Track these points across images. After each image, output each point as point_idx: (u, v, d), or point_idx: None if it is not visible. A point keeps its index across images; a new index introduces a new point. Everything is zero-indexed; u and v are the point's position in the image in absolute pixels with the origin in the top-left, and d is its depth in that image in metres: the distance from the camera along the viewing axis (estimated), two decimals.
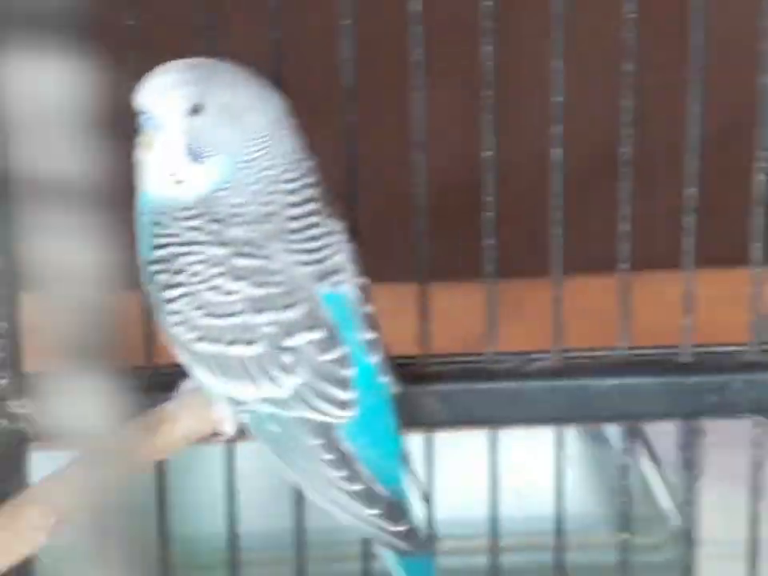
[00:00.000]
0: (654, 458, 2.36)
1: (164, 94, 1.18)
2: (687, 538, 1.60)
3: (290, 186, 1.21)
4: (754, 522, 1.51)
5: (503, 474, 1.51)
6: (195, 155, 1.19)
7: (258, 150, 1.20)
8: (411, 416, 1.31)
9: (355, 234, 1.30)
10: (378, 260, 1.31)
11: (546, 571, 1.56)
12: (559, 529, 1.54)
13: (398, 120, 1.48)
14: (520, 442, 1.76)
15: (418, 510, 1.29)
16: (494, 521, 1.53)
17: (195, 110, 1.18)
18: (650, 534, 2.06)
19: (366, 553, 1.40)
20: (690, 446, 1.59)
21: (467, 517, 1.64)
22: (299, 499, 1.42)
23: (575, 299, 1.49)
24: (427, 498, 1.35)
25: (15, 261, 1.42)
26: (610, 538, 1.67)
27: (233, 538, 1.50)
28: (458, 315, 1.56)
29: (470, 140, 1.47)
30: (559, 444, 1.56)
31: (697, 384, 1.46)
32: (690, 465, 1.53)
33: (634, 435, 1.75)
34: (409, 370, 1.35)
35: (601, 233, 1.50)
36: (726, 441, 1.63)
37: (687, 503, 1.55)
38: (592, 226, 1.64)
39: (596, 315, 1.57)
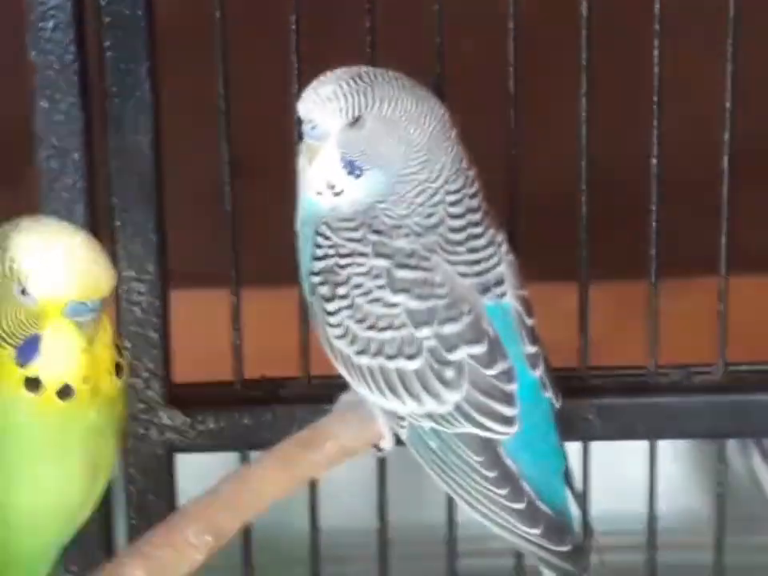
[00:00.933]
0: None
1: (325, 104, 1.17)
2: None
3: (451, 197, 1.19)
4: None
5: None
6: (353, 168, 1.18)
7: (419, 163, 1.18)
8: (569, 429, 1.26)
9: (515, 243, 1.28)
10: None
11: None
12: (653, 532, 1.51)
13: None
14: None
15: (578, 526, 1.24)
16: (651, 533, 1.50)
17: (355, 122, 1.17)
18: (759, 534, 2.02)
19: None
20: None
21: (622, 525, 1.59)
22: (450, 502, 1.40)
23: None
24: (585, 513, 1.27)
25: (167, 269, 1.45)
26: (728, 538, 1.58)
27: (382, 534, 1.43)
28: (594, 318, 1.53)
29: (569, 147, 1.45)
30: (721, 459, 1.50)
31: None
32: None
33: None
34: (569, 383, 1.32)
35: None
36: None
37: None
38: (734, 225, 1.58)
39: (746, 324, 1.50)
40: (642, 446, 1.49)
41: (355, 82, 1.17)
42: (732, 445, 1.77)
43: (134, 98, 1.37)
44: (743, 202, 1.38)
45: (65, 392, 1.02)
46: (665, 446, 1.49)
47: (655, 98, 1.39)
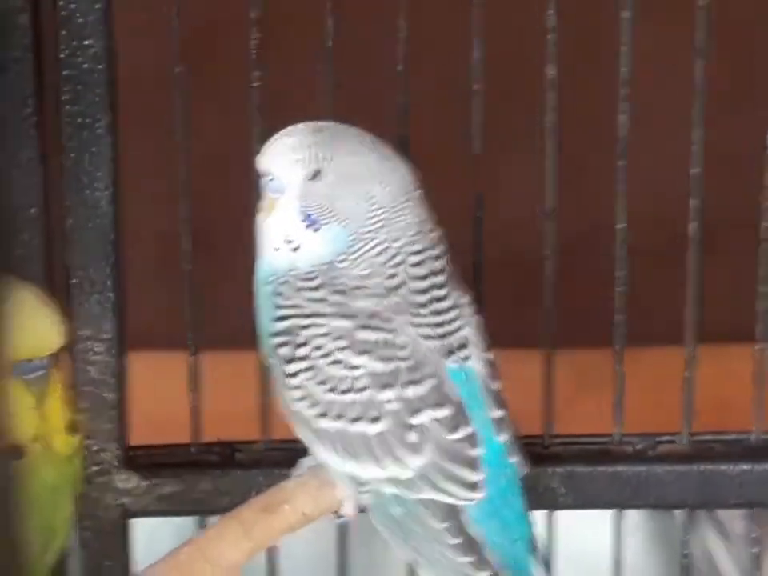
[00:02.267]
0: (723, 531, 2.26)
1: (284, 155, 1.19)
2: None
3: (415, 258, 1.20)
4: None
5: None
6: (312, 222, 1.19)
7: (380, 221, 1.20)
8: (534, 498, 1.28)
9: (481, 305, 1.29)
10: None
11: None
12: None
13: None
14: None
15: None
16: None
17: (314, 176, 1.18)
18: None
19: None
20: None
21: None
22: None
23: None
24: None
25: (124, 329, 1.44)
26: None
27: None
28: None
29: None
30: (686, 530, 1.52)
31: None
32: (758, 541, 1.54)
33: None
34: (533, 450, 1.32)
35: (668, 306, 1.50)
36: None
37: None
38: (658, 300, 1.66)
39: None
40: (604, 515, 1.50)
41: (315, 135, 1.20)
42: (682, 517, 1.79)
43: (91, 153, 1.36)
44: (707, 272, 1.39)
45: (18, 453, 1.00)
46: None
47: (620, 163, 1.38)
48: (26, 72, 1.32)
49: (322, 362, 1.17)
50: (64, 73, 1.31)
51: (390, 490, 1.18)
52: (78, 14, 1.31)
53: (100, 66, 1.33)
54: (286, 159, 1.19)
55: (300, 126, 1.21)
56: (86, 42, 1.29)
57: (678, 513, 1.65)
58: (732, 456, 1.46)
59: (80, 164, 1.38)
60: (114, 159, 1.39)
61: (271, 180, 1.20)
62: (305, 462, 1.25)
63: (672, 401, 1.44)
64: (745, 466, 1.45)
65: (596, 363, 1.46)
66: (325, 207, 1.19)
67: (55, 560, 1.24)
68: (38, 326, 1.09)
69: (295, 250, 1.19)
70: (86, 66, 1.29)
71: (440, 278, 1.21)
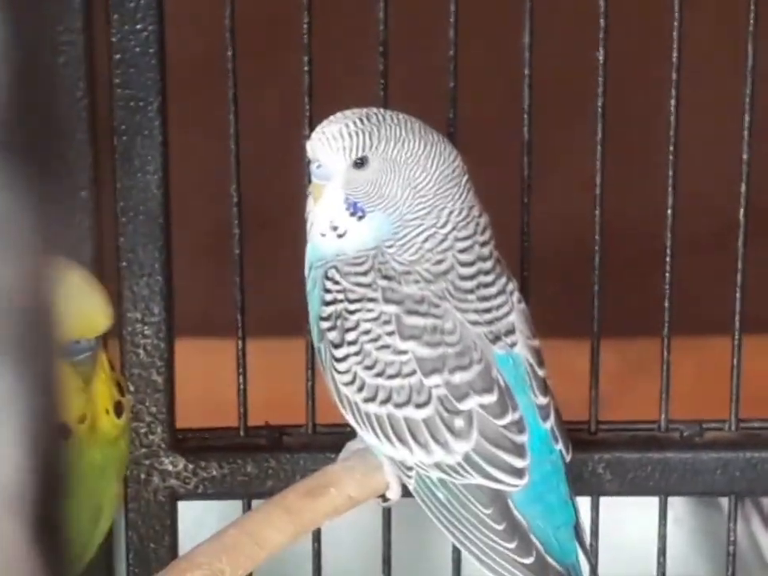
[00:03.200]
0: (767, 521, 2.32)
1: (330, 143, 1.20)
2: None
3: (461, 244, 1.20)
4: None
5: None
6: (356, 210, 1.19)
7: (426, 207, 1.20)
8: (579, 483, 1.30)
9: (528, 293, 1.30)
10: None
11: None
12: None
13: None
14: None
15: None
16: None
17: (360, 163, 1.19)
18: None
19: None
20: None
21: None
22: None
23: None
24: (594, 568, 1.31)
25: (173, 311, 1.44)
26: None
27: None
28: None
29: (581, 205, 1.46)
30: (732, 517, 1.48)
31: None
32: None
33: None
34: (579, 437, 1.35)
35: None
36: None
37: None
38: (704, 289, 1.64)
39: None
40: (650, 502, 1.49)
41: (362, 122, 1.20)
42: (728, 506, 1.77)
43: (143, 136, 1.36)
44: (756, 261, 1.38)
45: (65, 435, 0.99)
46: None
47: (671, 152, 1.37)
48: (77, 55, 1.30)
49: (369, 346, 1.19)
50: (116, 56, 1.32)
51: (435, 474, 1.18)
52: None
53: (151, 50, 1.32)
54: (331, 147, 1.20)
55: (347, 112, 1.21)
56: (138, 27, 1.30)
57: (723, 501, 1.61)
58: None
59: (131, 147, 1.38)
60: (164, 143, 1.39)
61: (318, 167, 1.20)
62: (351, 446, 1.26)
63: (719, 389, 1.42)
64: None
65: (644, 351, 1.45)
66: (370, 194, 1.20)
67: (101, 540, 1.22)
68: (86, 308, 1.09)
69: (341, 236, 1.20)
70: (137, 49, 1.29)
71: (487, 264, 1.21)
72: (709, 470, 1.44)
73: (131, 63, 1.33)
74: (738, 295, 1.40)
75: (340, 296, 1.20)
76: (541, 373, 1.22)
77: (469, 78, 1.40)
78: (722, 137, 1.48)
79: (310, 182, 1.24)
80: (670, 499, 1.51)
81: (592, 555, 1.29)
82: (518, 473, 1.17)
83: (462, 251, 1.20)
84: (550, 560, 1.18)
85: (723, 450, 1.43)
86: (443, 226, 1.20)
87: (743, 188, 1.38)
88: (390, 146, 1.20)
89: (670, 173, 1.41)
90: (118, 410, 1.15)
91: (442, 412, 1.17)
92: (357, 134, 1.19)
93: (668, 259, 1.43)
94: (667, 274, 1.43)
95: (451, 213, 1.21)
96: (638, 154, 1.60)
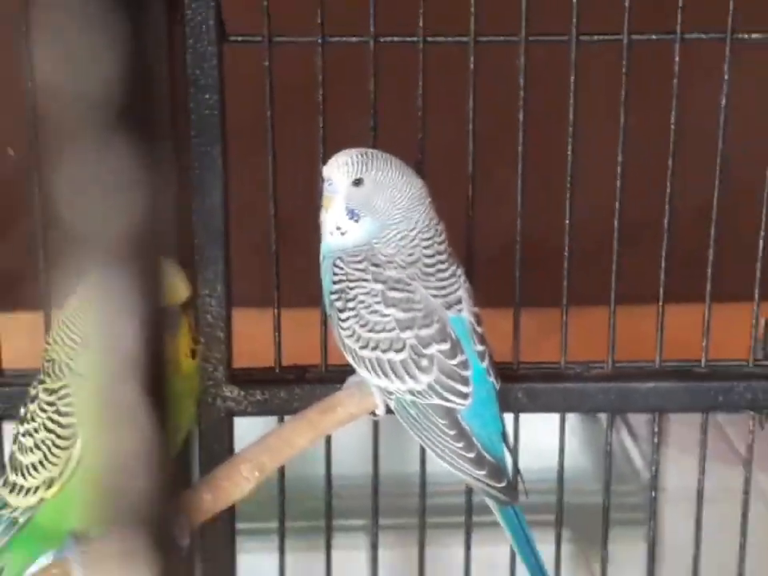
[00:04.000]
0: (633, 433, 2.31)
1: (339, 167, 1.21)
2: (653, 487, 1.59)
3: (425, 242, 1.22)
4: (701, 474, 1.47)
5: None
6: (353, 215, 1.21)
7: (400, 216, 1.21)
8: (505, 404, 1.29)
9: (471, 276, 1.29)
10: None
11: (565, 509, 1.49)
12: (561, 479, 1.50)
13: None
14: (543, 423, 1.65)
15: (511, 472, 1.28)
16: (560, 476, 1.49)
17: (357, 183, 1.20)
18: (626, 484, 2.03)
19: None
20: (658, 428, 1.60)
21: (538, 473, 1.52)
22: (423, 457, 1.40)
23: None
24: (516, 464, 1.31)
25: (230, 290, 1.43)
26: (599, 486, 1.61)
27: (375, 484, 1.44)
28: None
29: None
30: (609, 428, 1.49)
31: (710, 388, 1.42)
32: (658, 439, 1.54)
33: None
34: (506, 372, 1.33)
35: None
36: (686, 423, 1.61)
37: (653, 463, 1.54)
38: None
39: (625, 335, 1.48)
40: (550, 418, 1.48)
41: (360, 156, 1.21)
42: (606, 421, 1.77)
43: (209, 171, 1.36)
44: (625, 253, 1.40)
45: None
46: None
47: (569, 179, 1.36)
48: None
49: (363, 311, 1.21)
50: (192, 117, 1.30)
51: (408, 397, 1.20)
52: (201, 78, 1.30)
53: (215, 112, 1.32)
54: (339, 170, 1.21)
55: (351, 150, 1.23)
56: (206, 96, 1.29)
57: (602, 417, 1.63)
58: (641, 377, 1.45)
59: (202, 180, 1.37)
60: (225, 175, 1.37)
61: (329, 184, 1.21)
62: (352, 379, 1.27)
63: (601, 341, 1.43)
64: (650, 384, 1.44)
65: (551, 317, 1.45)
66: (363, 205, 1.21)
67: (181, 445, 1.23)
68: (172, 285, 1.09)
69: (343, 234, 1.22)
70: (206, 112, 1.30)
71: (443, 257, 1.23)
72: (593, 395, 1.44)
73: (203, 121, 1.33)
74: (613, 277, 1.38)
75: (343, 278, 1.21)
76: (479, 330, 1.24)
77: (433, 127, 1.37)
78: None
79: (322, 196, 1.25)
80: (567, 415, 1.50)
81: (514, 453, 1.30)
82: (464, 396, 1.19)
83: (425, 247, 1.22)
84: (485, 455, 1.20)
85: (603, 381, 1.43)
86: (412, 230, 1.22)
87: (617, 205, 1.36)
88: (378, 173, 1.21)
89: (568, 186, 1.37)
90: (194, 355, 1.17)
91: (412, 355, 1.20)
92: (356, 163, 1.21)
93: (566, 254, 1.39)
94: (565, 271, 1.38)
95: (417, 221, 1.22)
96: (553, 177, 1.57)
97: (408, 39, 1.40)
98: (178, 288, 1.12)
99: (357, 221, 1.22)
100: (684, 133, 1.42)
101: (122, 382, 0.22)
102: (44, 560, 1.22)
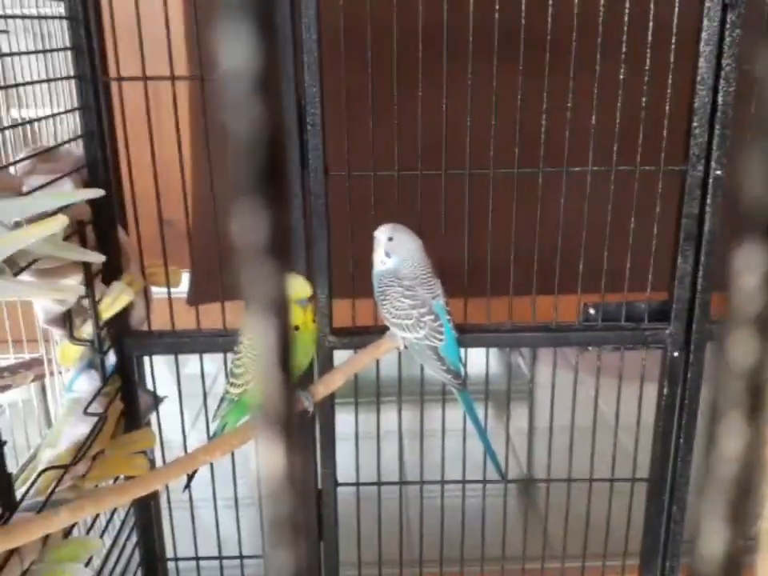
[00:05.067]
0: (522, 356, 2.29)
1: (381, 233, 1.23)
2: (531, 381, 1.60)
3: (421, 269, 1.24)
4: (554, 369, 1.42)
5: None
6: (388, 255, 1.24)
7: (410, 257, 1.24)
8: (460, 343, 1.29)
9: (443, 283, 1.28)
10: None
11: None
12: (487, 379, 1.46)
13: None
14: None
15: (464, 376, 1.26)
16: (486, 377, 1.49)
17: (390, 239, 1.23)
18: (516, 380, 1.98)
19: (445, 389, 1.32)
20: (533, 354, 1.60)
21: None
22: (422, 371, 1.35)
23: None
24: (465, 371, 1.29)
25: (332, 288, 1.36)
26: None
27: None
28: None
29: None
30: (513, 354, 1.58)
31: (557, 336, 1.40)
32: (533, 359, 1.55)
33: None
34: (460, 328, 1.31)
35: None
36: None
37: (531, 371, 1.44)
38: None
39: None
40: (482, 351, 1.44)
41: (392, 227, 1.23)
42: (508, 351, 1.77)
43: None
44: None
45: (296, 328, 1.06)
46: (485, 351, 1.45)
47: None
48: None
49: (392, 301, 1.24)
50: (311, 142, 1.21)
51: (415, 341, 1.24)
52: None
53: (317, 140, 1.22)
54: (381, 234, 1.23)
55: (388, 224, 1.24)
56: (309, 120, 1.21)
57: (507, 350, 1.65)
58: (523, 329, 1.41)
59: (315, 231, 1.28)
60: (329, 228, 1.29)
61: (378, 240, 1.24)
62: (388, 333, 1.29)
63: (506, 312, 1.41)
64: (527, 334, 1.41)
65: (484, 302, 1.37)
66: (393, 250, 1.23)
67: (308, 365, 1.24)
68: (299, 285, 1.10)
69: (383, 264, 1.24)
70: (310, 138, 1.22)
71: (429, 275, 1.25)
72: (499, 339, 1.43)
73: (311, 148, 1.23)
74: (511, 280, 1.33)
75: (383, 287, 1.25)
76: (447, 308, 1.26)
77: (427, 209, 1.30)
78: None
79: (373, 246, 1.25)
80: (490, 349, 1.49)
81: (464, 366, 1.28)
82: (441, 340, 1.24)
83: (422, 271, 1.24)
84: (451, 367, 1.24)
85: (505, 332, 1.40)
86: (415, 263, 1.24)
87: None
88: (400, 235, 1.24)
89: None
90: (314, 321, 1.17)
91: (416, 321, 1.23)
92: (389, 230, 1.23)
93: (488, 269, 1.34)
94: (488, 273, 1.33)
95: (417, 259, 1.24)
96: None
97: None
98: (306, 288, 1.11)
99: (390, 257, 1.24)
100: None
101: (268, 336, 0.19)
102: (243, 420, 1.21)
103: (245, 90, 0.17)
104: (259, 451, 0.19)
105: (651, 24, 1.13)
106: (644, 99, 1.16)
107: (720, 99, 1.18)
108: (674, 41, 1.15)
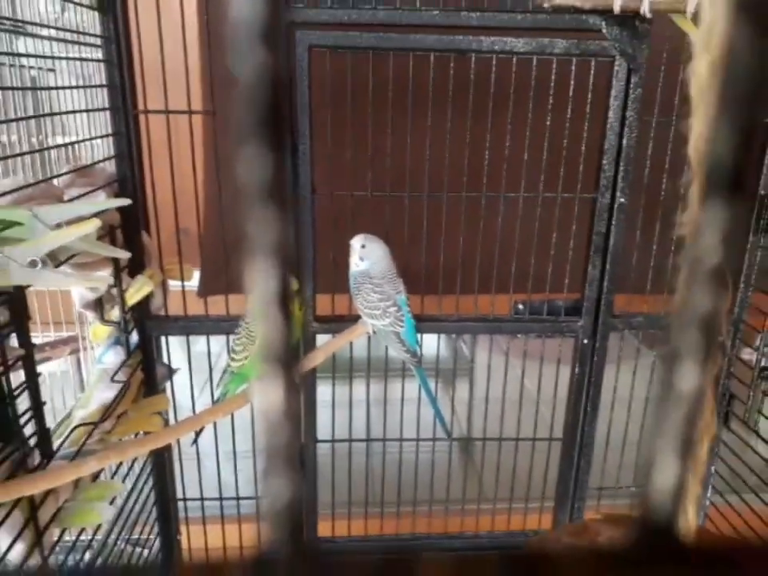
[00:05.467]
0: (464, 342, 2.32)
1: (356, 241, 1.22)
2: (471, 361, 1.70)
3: (389, 271, 1.24)
4: (490, 353, 1.40)
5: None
6: (361, 259, 1.22)
7: (380, 261, 1.22)
8: (417, 329, 1.29)
9: (406, 281, 1.26)
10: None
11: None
12: (438, 358, 1.41)
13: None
14: None
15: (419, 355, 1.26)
16: (437, 357, 1.45)
17: (363, 246, 1.22)
18: (460, 360, 1.88)
19: (404, 367, 1.30)
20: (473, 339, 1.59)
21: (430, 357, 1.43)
22: (386, 352, 1.32)
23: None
24: (421, 351, 1.29)
25: (316, 285, 1.33)
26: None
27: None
28: None
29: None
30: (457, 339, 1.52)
31: (493, 325, 1.37)
32: (473, 343, 1.49)
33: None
34: (418, 317, 1.31)
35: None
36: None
37: (471, 352, 1.47)
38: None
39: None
40: (434, 336, 1.39)
41: (365, 236, 1.22)
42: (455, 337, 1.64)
43: (304, 235, 1.23)
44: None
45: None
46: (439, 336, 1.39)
47: None
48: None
49: (364, 295, 1.23)
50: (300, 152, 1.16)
51: (382, 327, 1.24)
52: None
53: (306, 167, 1.18)
54: (356, 241, 1.22)
55: (361, 234, 1.22)
56: (300, 150, 1.17)
57: (455, 336, 1.54)
58: (468, 320, 1.37)
59: (300, 230, 1.22)
60: (314, 232, 1.25)
61: (353, 247, 1.22)
62: (360, 321, 1.28)
63: (453, 306, 1.35)
64: (471, 323, 1.37)
65: (437, 299, 1.33)
66: (365, 255, 1.22)
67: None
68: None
69: (357, 266, 1.23)
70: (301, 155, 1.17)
71: (394, 275, 1.24)
72: (448, 326, 1.37)
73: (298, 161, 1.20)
74: (458, 281, 1.30)
75: (358, 284, 1.24)
76: (408, 302, 1.25)
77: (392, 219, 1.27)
78: None
79: (349, 252, 1.23)
80: (441, 335, 1.43)
81: (420, 348, 1.27)
82: (401, 327, 1.24)
83: (389, 273, 1.24)
84: (410, 348, 1.24)
85: (453, 321, 1.37)
86: (383, 266, 1.23)
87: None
88: (371, 243, 1.22)
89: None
90: (301, 309, 1.19)
91: (384, 311, 1.23)
92: (363, 239, 1.21)
93: (441, 274, 1.30)
94: (440, 280, 1.30)
95: (385, 262, 1.23)
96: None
97: None
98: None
99: (363, 261, 1.23)
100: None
101: (270, 319, 0.16)
102: (241, 388, 1.21)
103: (250, 38, 0.15)
104: (258, 387, 0.17)
105: (572, 83, 1.17)
106: (564, 141, 1.18)
107: (624, 142, 1.21)
108: (589, 96, 1.19)
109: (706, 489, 1.41)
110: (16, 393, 0.85)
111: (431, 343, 1.45)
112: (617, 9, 1.02)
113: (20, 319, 0.86)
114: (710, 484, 1.42)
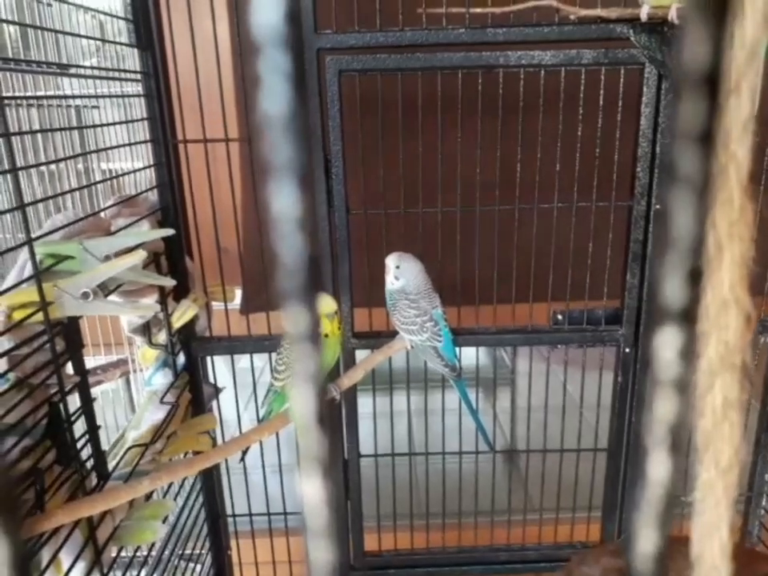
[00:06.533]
0: (506, 352, 2.34)
1: (391, 260, 1.22)
2: (512, 371, 1.62)
3: (425, 286, 1.23)
4: (530, 362, 1.37)
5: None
6: (396, 278, 1.22)
7: (415, 278, 1.21)
8: (456, 342, 1.28)
9: (442, 298, 1.26)
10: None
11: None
12: (477, 369, 1.47)
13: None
14: None
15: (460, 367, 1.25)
16: (477, 368, 1.46)
17: (398, 266, 1.22)
18: (501, 369, 1.95)
19: (444, 379, 1.27)
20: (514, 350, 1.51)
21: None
22: (426, 364, 1.29)
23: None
24: (460, 365, 1.27)
25: (353, 300, 1.31)
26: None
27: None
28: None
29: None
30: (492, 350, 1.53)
31: (532, 336, 1.36)
32: (514, 353, 1.39)
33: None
34: (455, 330, 1.31)
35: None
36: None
37: (513, 361, 1.39)
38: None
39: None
40: (472, 349, 1.37)
41: (399, 255, 1.22)
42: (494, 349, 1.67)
43: (344, 264, 1.26)
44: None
45: (324, 336, 1.04)
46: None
47: None
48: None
49: (401, 311, 1.23)
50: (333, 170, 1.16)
51: (420, 342, 1.23)
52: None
53: (340, 187, 1.19)
54: (391, 260, 1.22)
55: (396, 252, 1.23)
56: (334, 171, 1.18)
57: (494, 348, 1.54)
58: (505, 332, 1.37)
59: (341, 258, 1.25)
60: (350, 260, 1.27)
61: (388, 266, 1.22)
62: (398, 337, 1.27)
63: (491, 317, 1.34)
64: (508, 335, 1.37)
65: (473, 310, 1.32)
66: (401, 274, 1.22)
67: (334, 363, 1.21)
68: (326, 302, 1.07)
69: (393, 284, 1.22)
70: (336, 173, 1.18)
71: (430, 290, 1.24)
72: (487, 338, 1.36)
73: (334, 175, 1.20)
74: (494, 293, 1.29)
75: (394, 301, 1.23)
76: (445, 315, 1.24)
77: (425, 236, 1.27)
78: None
79: (385, 270, 1.23)
80: (480, 348, 1.41)
81: (459, 361, 1.26)
82: (440, 341, 1.23)
83: (424, 288, 1.22)
84: (449, 362, 1.23)
85: (490, 334, 1.34)
86: (418, 282, 1.22)
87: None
88: (406, 262, 1.22)
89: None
90: (340, 328, 1.14)
91: (421, 326, 1.22)
92: (397, 257, 1.21)
93: (476, 284, 1.29)
94: (476, 290, 1.28)
95: (420, 278, 1.22)
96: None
97: None
98: (332, 305, 1.10)
99: (398, 279, 1.22)
100: None
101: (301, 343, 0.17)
102: (285, 407, 1.19)
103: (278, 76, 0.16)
104: (294, 398, 0.18)
105: (602, 91, 1.15)
106: (597, 150, 1.17)
107: (657, 149, 1.19)
108: (620, 104, 1.17)
109: (760, 498, 1.40)
110: (73, 418, 0.87)
111: (470, 353, 1.41)
112: (644, 17, 1.00)
113: (75, 348, 0.88)
114: (764, 493, 1.40)
